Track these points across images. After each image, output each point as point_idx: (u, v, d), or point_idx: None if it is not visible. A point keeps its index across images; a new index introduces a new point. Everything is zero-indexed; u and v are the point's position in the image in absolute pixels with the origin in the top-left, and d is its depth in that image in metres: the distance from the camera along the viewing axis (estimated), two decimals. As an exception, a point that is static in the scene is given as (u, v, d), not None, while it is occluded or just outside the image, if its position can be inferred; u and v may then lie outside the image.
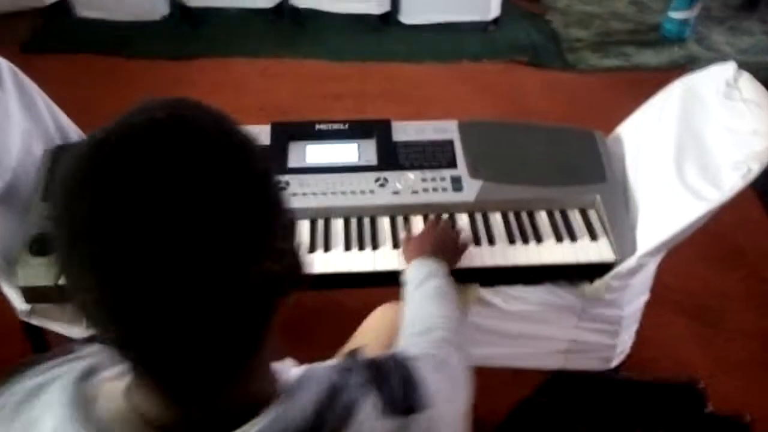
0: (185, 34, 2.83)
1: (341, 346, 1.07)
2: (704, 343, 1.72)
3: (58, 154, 1.29)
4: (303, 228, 1.22)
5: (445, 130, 1.35)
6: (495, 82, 2.65)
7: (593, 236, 1.22)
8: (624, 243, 1.19)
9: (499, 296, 1.24)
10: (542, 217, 1.26)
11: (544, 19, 3.03)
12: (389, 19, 2.96)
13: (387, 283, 1.09)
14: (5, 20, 2.76)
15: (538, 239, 1.21)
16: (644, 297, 1.33)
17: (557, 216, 1.26)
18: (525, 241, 1.21)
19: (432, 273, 0.99)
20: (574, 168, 1.30)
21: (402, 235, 1.20)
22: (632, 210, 1.25)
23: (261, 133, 1.30)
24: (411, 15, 2.92)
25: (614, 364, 1.36)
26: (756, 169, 1.00)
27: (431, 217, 1.24)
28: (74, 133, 1.42)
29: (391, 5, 2.92)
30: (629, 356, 1.40)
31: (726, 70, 1.16)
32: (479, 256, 1.18)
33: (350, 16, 2.88)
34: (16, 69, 1.29)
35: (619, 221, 1.23)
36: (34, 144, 1.30)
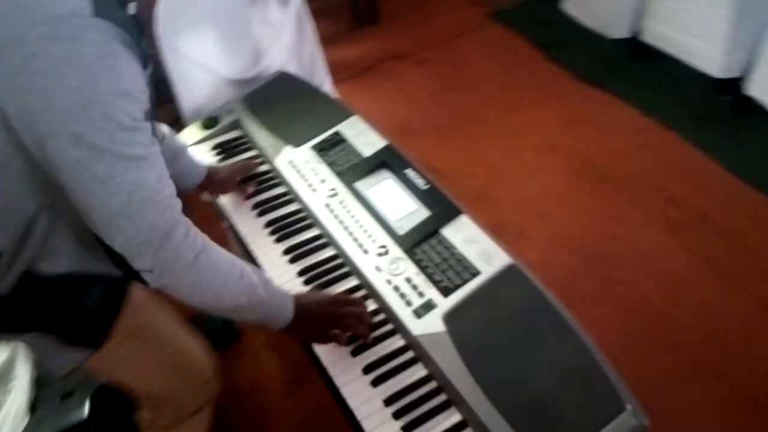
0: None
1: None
2: None
3: (287, 80, 1.60)
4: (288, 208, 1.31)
5: (492, 260, 1.06)
6: None
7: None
8: None
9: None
10: (451, 419, 0.93)
11: None
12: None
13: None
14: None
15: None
16: None
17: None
18: (395, 417, 0.94)
19: (281, 304, 0.97)
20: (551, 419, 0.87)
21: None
22: None
23: (374, 143, 1.33)
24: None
25: None
26: None
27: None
28: (322, 80, 1.73)
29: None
30: None
31: None
32: (352, 385, 1.00)
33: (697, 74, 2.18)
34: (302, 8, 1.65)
35: None
36: (286, 61, 1.64)
